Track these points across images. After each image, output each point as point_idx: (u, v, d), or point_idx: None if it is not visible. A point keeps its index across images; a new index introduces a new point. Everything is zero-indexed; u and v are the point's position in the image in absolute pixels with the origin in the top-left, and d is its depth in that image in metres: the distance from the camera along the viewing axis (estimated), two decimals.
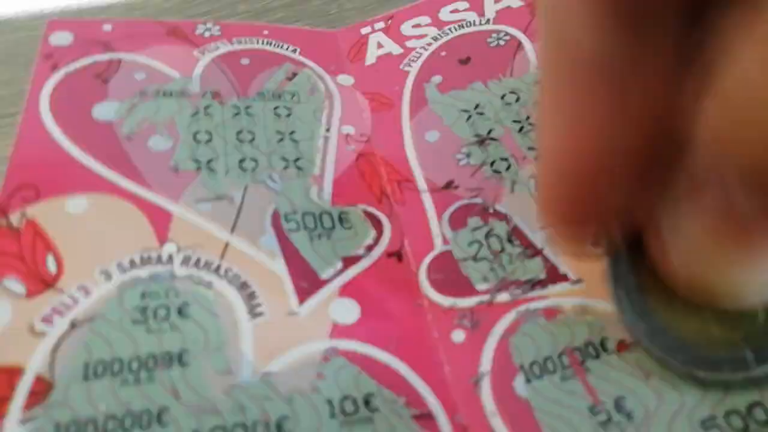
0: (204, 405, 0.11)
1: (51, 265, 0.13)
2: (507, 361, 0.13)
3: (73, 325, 0.12)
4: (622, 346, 0.12)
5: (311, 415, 0.11)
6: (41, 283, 0.12)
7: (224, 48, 0.19)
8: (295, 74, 0.19)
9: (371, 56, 0.20)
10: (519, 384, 0.12)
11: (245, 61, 0.19)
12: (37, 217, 0.14)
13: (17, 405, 0.11)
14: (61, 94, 0.17)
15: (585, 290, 0.13)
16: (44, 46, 0.18)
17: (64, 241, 0.13)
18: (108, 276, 0.13)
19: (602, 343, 0.12)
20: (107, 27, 0.19)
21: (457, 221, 0.15)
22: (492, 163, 0.16)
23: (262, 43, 0.20)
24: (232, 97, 0.18)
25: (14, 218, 0.13)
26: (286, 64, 0.19)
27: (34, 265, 0.13)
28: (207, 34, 0.20)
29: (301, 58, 0.20)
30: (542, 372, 0.12)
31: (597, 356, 0.12)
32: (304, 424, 0.11)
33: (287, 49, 0.20)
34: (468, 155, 0.16)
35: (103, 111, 0.16)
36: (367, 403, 0.12)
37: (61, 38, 0.18)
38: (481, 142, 0.17)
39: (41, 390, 0.11)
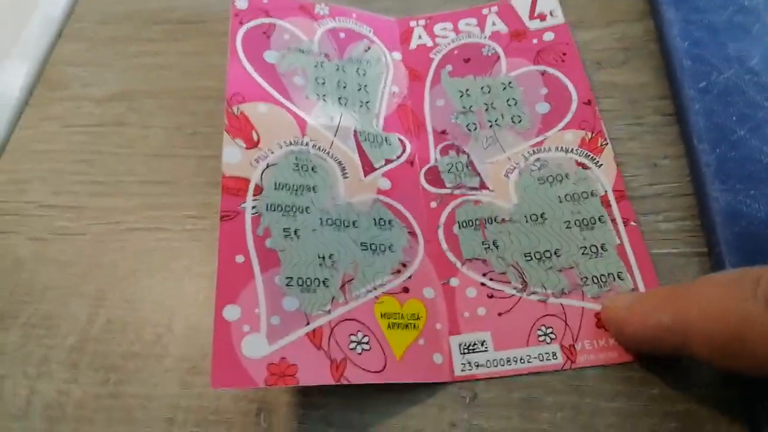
0: (322, 209, 0.26)
1: (254, 136, 0.27)
2: (452, 219, 0.28)
3: (267, 165, 0.27)
4: (503, 221, 0.27)
5: (366, 222, 0.27)
6: (251, 143, 0.27)
7: (331, 24, 0.33)
8: (369, 48, 0.33)
9: (413, 43, 0.34)
10: (455, 228, 0.27)
11: (342, 35, 0.33)
12: (244, 110, 0.28)
13: (250, 195, 0.26)
14: (246, 42, 0.30)
15: (494, 194, 0.28)
16: (233, 8, 0.31)
17: (258, 125, 0.28)
18: (280, 146, 0.27)
19: (494, 218, 0.27)
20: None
21: (443, 151, 0.30)
22: (467, 125, 0.30)
23: (352, 23, 0.33)
24: (335, 58, 0.32)
25: (235, 109, 0.28)
26: (365, 40, 0.33)
27: (248, 134, 0.27)
28: (321, 12, 0.33)
29: (374, 37, 0.33)
30: (467, 225, 0.27)
31: (491, 223, 0.27)
32: (362, 227, 0.26)
33: (366, 29, 0.33)
34: (456, 118, 0.31)
35: (269, 56, 0.30)
36: (389, 222, 0.27)
37: (241, 3, 0.32)
38: (464, 112, 0.31)
39: (258, 190, 0.26)
